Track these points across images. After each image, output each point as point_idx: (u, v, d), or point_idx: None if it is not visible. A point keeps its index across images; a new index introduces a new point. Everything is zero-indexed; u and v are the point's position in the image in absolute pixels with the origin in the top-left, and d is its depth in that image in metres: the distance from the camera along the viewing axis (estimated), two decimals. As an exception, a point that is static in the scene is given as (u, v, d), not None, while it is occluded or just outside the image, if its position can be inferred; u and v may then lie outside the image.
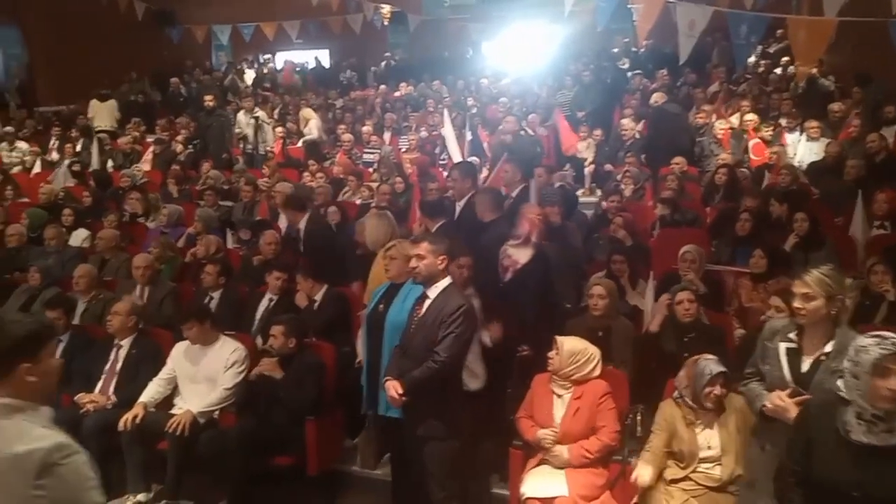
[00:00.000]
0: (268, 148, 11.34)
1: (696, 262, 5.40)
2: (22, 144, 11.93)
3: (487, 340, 4.39)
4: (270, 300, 5.65)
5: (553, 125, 10.83)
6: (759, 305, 4.99)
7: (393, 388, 3.73)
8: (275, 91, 15.81)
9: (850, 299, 3.69)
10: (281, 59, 18.80)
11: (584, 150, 10.25)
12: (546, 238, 5.17)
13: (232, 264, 6.33)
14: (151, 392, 4.92)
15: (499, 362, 4.46)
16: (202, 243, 6.65)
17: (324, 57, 18.77)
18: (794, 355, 3.13)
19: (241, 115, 11.49)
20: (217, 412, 4.84)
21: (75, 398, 4.92)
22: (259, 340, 5.26)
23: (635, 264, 5.73)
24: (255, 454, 4.53)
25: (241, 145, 11.34)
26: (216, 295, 5.84)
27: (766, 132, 9.24)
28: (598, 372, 4.06)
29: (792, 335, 3.15)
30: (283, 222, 7.10)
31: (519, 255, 4.76)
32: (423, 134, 11.32)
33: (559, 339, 4.08)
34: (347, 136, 11.28)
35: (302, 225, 6.57)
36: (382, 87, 14.97)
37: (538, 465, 4.00)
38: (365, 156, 10.94)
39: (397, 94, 14.57)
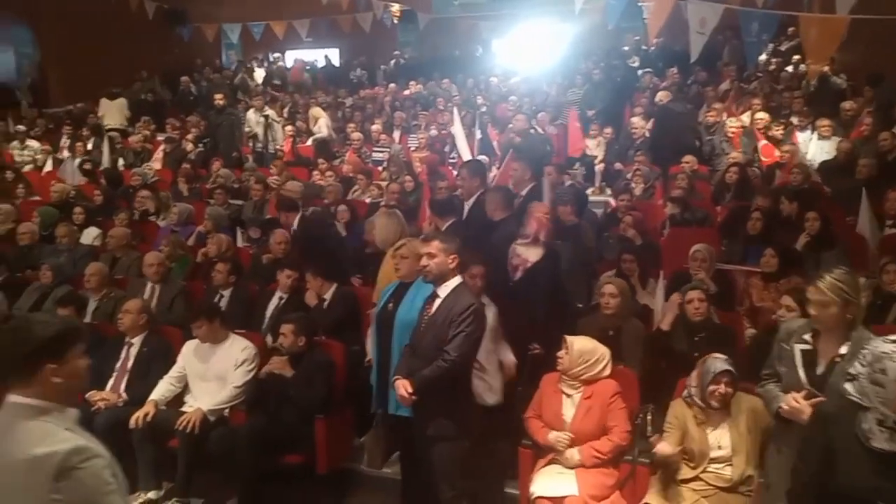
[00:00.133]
0: (277, 146, 11.37)
1: (707, 262, 5.38)
2: (33, 143, 12.00)
3: (508, 358, 4.38)
4: (280, 299, 5.67)
5: (563, 124, 10.81)
6: (770, 305, 4.96)
7: (403, 387, 3.73)
8: (284, 89, 15.84)
9: (862, 299, 3.65)
10: (291, 57, 18.83)
11: (595, 148, 10.23)
12: (559, 237, 5.15)
13: (242, 263, 6.35)
14: (162, 390, 4.94)
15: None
16: (213, 242, 6.67)
17: (333, 55, 18.78)
18: (810, 357, 3.11)
19: (250, 114, 11.52)
20: (227, 410, 4.85)
21: (86, 395, 4.94)
22: (269, 339, 5.27)
23: (645, 263, 5.71)
24: (265, 452, 4.54)
25: (251, 144, 11.37)
26: (226, 293, 5.87)
27: (777, 131, 9.19)
28: (607, 372, 4.05)
29: (807, 337, 3.13)
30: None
31: (528, 253, 4.76)
32: (433, 132, 11.31)
33: (569, 338, 4.07)
34: (357, 135, 11.30)
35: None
36: (392, 85, 14.98)
37: (548, 464, 4.00)
38: (374, 154, 10.96)
39: (407, 92, 14.56)
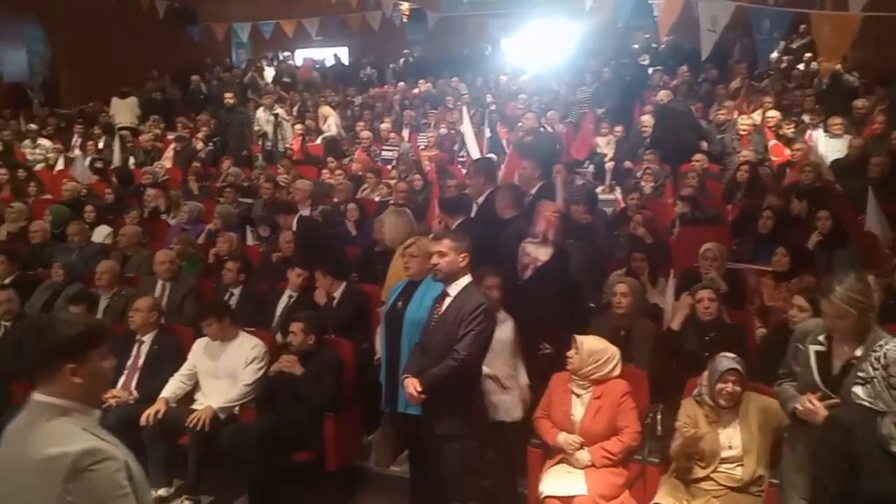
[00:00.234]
0: (287, 145, 11.37)
1: (718, 260, 5.35)
2: (45, 142, 12.05)
3: (521, 380, 4.38)
4: (290, 297, 5.68)
5: (573, 122, 10.79)
6: (782, 304, 4.92)
7: (412, 385, 3.73)
8: (294, 88, 15.86)
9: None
10: (300, 56, 18.85)
11: (605, 146, 10.20)
12: (572, 236, 5.14)
13: (252, 261, 6.37)
14: (173, 388, 4.96)
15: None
16: (223, 240, 6.70)
17: (343, 54, 18.79)
18: (824, 358, 3.09)
19: (260, 113, 11.51)
20: (237, 408, 4.87)
21: (98, 393, 4.96)
22: (279, 337, 5.29)
23: (655, 262, 5.68)
24: (275, 450, 4.55)
25: (261, 142, 11.39)
26: (236, 291, 5.88)
27: (789, 129, 9.14)
28: (617, 371, 4.03)
29: (822, 338, 3.11)
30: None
31: (538, 252, 4.73)
32: (442, 131, 11.29)
33: (578, 338, 4.05)
34: (366, 134, 11.31)
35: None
36: (401, 84, 14.98)
37: (557, 463, 3.99)
38: (384, 153, 10.96)
39: (416, 91, 14.55)
